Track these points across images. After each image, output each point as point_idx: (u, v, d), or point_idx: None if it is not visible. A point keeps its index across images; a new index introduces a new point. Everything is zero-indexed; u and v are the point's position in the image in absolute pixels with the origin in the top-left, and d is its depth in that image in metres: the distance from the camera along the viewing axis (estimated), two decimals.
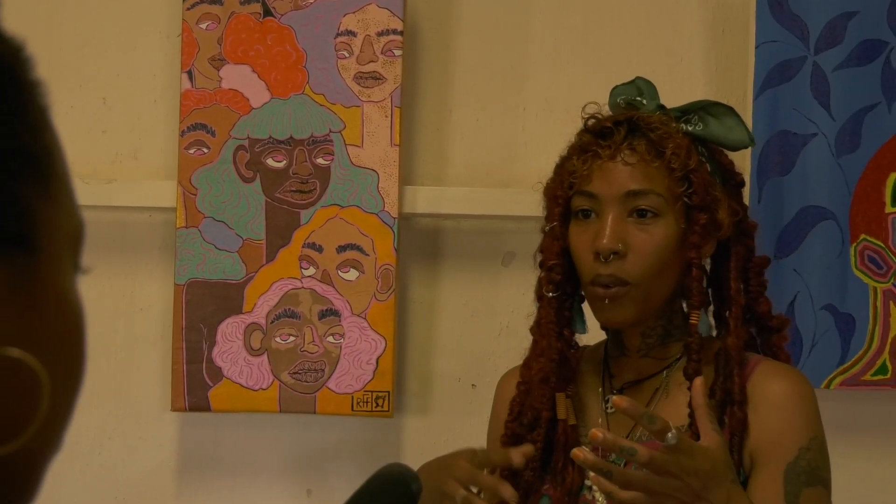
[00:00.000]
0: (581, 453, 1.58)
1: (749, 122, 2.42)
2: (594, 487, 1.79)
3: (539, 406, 1.82)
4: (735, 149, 1.86)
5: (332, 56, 2.41)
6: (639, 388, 1.82)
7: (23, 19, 2.50)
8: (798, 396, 1.77)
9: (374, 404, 2.39)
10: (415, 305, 2.53)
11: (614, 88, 1.86)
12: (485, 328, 2.52)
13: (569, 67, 2.54)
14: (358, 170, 2.41)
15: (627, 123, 1.78)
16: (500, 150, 2.54)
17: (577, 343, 1.87)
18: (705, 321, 1.81)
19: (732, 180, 1.87)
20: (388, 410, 2.39)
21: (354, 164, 2.41)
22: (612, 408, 1.81)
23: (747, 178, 2.41)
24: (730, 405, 1.76)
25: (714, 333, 1.85)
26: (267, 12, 2.42)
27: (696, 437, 1.67)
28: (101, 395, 2.54)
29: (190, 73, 2.43)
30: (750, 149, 2.40)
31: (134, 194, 2.48)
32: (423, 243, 2.53)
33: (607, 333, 1.88)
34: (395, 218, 2.41)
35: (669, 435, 1.56)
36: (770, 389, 1.77)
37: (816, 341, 2.44)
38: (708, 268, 1.87)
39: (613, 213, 1.74)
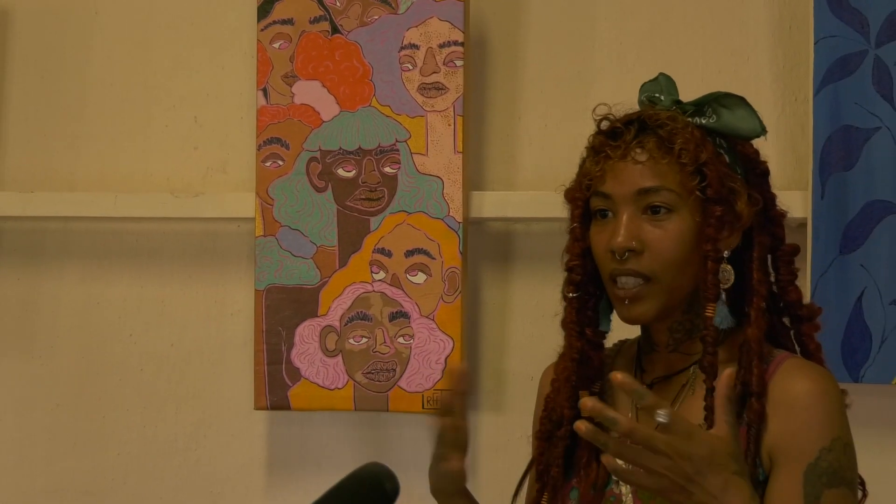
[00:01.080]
0: (582, 426, 1.56)
1: (810, 117, 2.43)
2: (621, 482, 1.80)
3: (562, 404, 1.85)
4: (748, 138, 1.84)
5: (397, 69, 2.50)
6: (667, 383, 1.83)
7: (120, 46, 2.70)
8: (819, 395, 1.73)
9: None
10: (487, 307, 2.58)
11: (642, 86, 1.88)
12: (556, 328, 2.43)
13: (635, 70, 2.56)
14: (423, 177, 2.49)
15: (637, 122, 1.80)
16: (568, 154, 2.46)
17: (600, 341, 1.88)
18: (722, 312, 1.80)
19: (756, 169, 1.86)
20: None
21: (420, 172, 2.49)
22: (640, 403, 1.77)
23: (809, 175, 2.43)
24: (749, 397, 1.74)
25: (732, 324, 1.82)
26: (335, 30, 2.52)
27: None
28: (196, 395, 2.68)
29: (265, 91, 2.54)
30: (812, 144, 2.42)
31: (219, 206, 2.60)
32: (494, 247, 2.58)
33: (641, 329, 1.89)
34: (459, 222, 2.47)
35: (660, 412, 1.55)
36: (791, 388, 1.74)
37: (886, 337, 2.39)
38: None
39: (628, 211, 1.76)
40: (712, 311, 1.77)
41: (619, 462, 1.56)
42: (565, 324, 1.87)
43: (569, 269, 1.85)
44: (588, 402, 1.55)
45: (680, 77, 1.92)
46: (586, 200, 1.82)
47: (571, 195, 1.86)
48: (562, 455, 1.84)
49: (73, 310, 2.72)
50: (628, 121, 1.81)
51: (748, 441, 1.72)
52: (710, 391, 1.75)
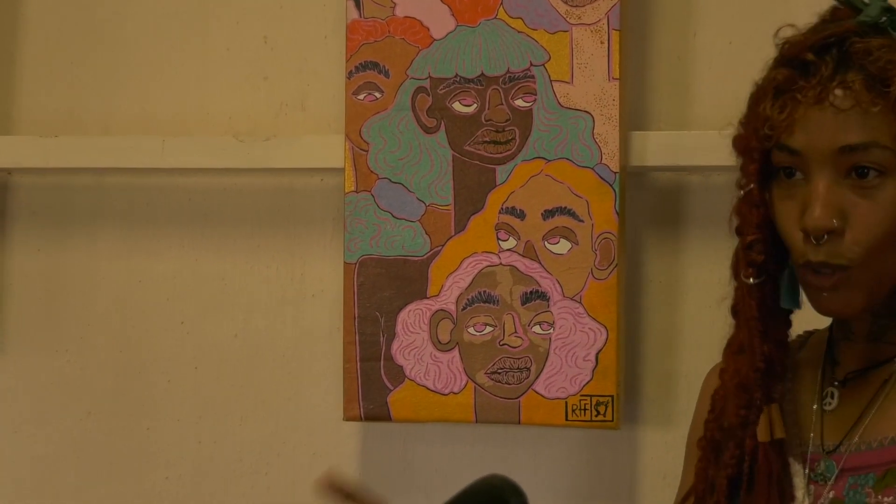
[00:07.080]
0: None
1: None
2: None
3: (733, 420, 1.62)
4: None
5: None
6: (864, 378, 1.60)
7: None
8: None
9: (594, 412, 2.19)
10: (651, 286, 2.26)
11: None
12: None
13: None
14: (567, 112, 2.19)
15: (837, 51, 1.51)
16: None
17: (786, 333, 1.63)
18: None
19: None
20: (613, 420, 2.17)
21: (562, 106, 2.19)
22: (829, 403, 1.62)
23: None
24: None
25: None
26: None
27: None
28: (268, 402, 2.41)
29: (357, 1, 2.25)
30: None
31: (297, 153, 2.33)
32: (660, 205, 2.28)
33: None
34: (615, 173, 2.17)
35: None
36: None
37: None
38: None
39: (824, 177, 1.51)
40: None
41: None
42: (744, 320, 1.65)
43: (746, 247, 1.63)
44: None
45: None
46: (766, 153, 1.58)
47: (744, 145, 1.62)
48: (725, 484, 1.62)
49: (110, 290, 2.45)
50: (823, 47, 1.53)
51: None
52: None
